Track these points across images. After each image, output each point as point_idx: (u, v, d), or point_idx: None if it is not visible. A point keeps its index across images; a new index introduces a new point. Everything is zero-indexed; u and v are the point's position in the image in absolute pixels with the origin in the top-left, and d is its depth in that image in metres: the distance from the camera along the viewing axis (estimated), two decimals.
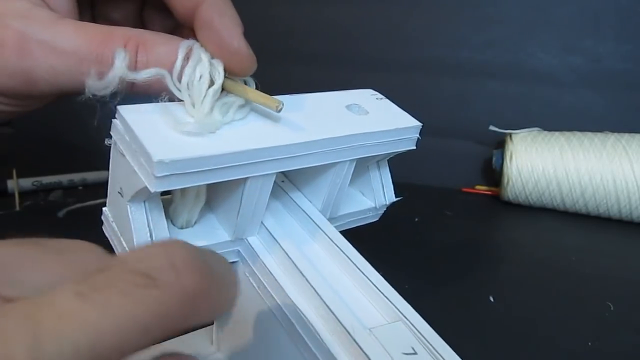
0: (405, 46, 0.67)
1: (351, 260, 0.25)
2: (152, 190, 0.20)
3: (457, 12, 0.65)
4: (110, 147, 0.24)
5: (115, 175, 0.24)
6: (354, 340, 0.20)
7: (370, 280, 0.24)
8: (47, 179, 0.58)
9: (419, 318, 0.22)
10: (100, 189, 0.58)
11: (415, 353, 0.20)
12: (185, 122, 0.22)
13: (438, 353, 0.20)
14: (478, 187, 0.62)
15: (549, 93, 0.62)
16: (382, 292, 0.23)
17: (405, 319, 0.22)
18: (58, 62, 0.24)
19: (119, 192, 0.23)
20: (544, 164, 0.53)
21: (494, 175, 0.59)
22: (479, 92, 0.64)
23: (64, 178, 0.59)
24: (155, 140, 0.21)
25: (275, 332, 0.24)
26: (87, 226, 0.49)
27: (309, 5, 0.68)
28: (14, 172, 0.56)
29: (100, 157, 0.72)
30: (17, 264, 0.15)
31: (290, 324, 0.23)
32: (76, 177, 0.59)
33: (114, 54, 0.23)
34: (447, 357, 0.20)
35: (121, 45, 0.24)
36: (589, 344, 0.33)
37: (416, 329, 0.22)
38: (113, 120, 0.23)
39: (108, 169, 0.67)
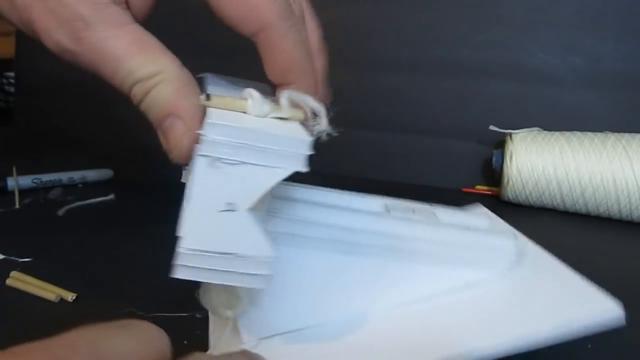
0: (406, 46, 0.66)
1: None
2: (305, 169, 0.22)
3: (457, 12, 0.65)
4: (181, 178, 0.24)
5: (215, 195, 0.22)
6: None
7: None
8: (47, 177, 0.58)
9: None
10: (100, 188, 0.58)
11: None
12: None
13: None
14: (478, 187, 0.62)
15: (549, 93, 0.62)
16: None
17: None
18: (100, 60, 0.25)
19: (223, 211, 0.22)
20: (544, 164, 0.53)
21: (494, 175, 0.59)
22: (479, 92, 0.64)
23: (64, 176, 0.59)
24: (278, 130, 0.23)
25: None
26: (87, 224, 0.49)
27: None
28: (14, 169, 0.56)
29: (100, 156, 0.72)
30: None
31: None
32: (76, 175, 0.59)
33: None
34: None
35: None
36: (589, 346, 0.33)
37: None
38: (203, 137, 0.22)
39: (107, 167, 0.66)
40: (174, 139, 0.25)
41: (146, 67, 0.25)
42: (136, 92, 0.25)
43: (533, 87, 0.62)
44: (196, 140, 0.24)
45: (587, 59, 0.61)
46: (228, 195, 0.22)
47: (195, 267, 0.23)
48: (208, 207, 0.22)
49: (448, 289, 0.30)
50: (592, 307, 0.26)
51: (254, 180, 0.22)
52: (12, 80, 0.88)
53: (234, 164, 0.22)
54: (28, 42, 0.87)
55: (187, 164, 0.26)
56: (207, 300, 0.27)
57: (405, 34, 0.66)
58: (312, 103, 0.25)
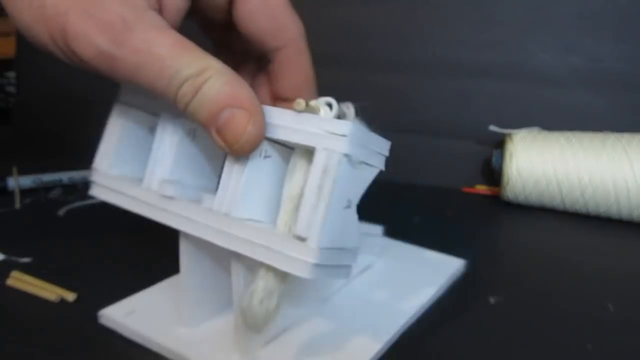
0: (406, 46, 0.67)
1: None
2: (384, 168, 0.27)
3: (457, 12, 0.65)
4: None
5: (345, 194, 0.24)
6: None
7: None
8: (47, 177, 0.58)
9: None
10: None
11: None
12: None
13: None
14: (478, 187, 0.62)
15: (549, 93, 0.62)
16: None
17: None
18: (140, 59, 0.24)
19: (345, 208, 0.24)
20: (544, 164, 0.53)
21: (494, 175, 0.59)
22: (479, 92, 0.64)
23: (65, 176, 0.59)
24: (364, 128, 0.26)
25: None
26: (87, 224, 0.49)
27: (308, 6, 0.68)
28: (14, 169, 0.56)
29: None
30: None
31: None
32: (77, 175, 0.59)
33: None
34: None
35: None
36: (589, 345, 0.33)
37: None
38: (350, 140, 0.23)
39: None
40: (236, 130, 0.24)
41: (193, 65, 0.24)
42: (185, 91, 0.24)
43: (533, 87, 0.62)
44: (261, 129, 0.25)
45: (587, 59, 0.61)
46: (349, 192, 0.24)
47: (324, 265, 0.24)
48: (339, 205, 0.24)
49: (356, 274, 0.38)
50: (447, 266, 0.40)
51: (365, 178, 0.25)
52: (12, 80, 0.88)
53: (360, 164, 0.24)
54: (28, 42, 0.87)
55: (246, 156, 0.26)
56: (251, 317, 0.25)
57: (405, 34, 0.66)
58: (352, 109, 0.27)
